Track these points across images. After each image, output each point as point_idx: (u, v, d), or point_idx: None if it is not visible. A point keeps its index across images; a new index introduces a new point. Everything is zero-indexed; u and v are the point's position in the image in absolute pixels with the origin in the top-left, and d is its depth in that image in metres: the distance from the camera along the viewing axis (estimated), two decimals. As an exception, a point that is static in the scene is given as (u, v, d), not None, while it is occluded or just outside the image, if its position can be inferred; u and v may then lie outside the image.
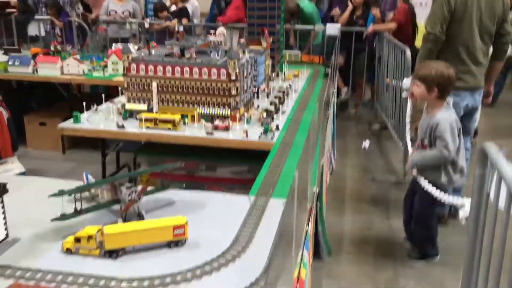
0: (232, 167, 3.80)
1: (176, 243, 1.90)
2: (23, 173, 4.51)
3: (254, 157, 3.51)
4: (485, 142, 1.95)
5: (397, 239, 3.92)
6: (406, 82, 4.51)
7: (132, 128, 3.48)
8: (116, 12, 7.86)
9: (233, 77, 3.47)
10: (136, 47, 5.11)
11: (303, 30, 7.32)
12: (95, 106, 3.92)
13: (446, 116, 3.24)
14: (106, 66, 5.62)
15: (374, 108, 7.38)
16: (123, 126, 3.47)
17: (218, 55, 3.84)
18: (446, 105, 3.30)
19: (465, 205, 2.11)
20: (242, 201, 2.34)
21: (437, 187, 3.25)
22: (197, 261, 1.79)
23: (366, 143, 6.13)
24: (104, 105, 4.04)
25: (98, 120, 3.65)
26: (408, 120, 4.06)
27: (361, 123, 7.27)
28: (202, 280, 1.71)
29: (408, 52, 4.84)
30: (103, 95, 4.05)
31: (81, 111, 3.71)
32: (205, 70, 3.49)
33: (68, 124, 3.57)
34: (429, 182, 3.30)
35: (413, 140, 3.91)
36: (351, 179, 5.28)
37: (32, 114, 6.30)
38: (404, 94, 4.51)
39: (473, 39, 3.85)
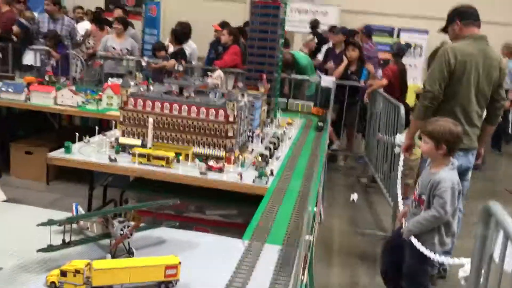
0: (221, 210, 3.72)
1: (166, 284, 1.81)
2: (6, 201, 4.37)
3: (244, 201, 3.45)
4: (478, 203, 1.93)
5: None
6: (399, 138, 4.56)
7: (124, 162, 3.40)
8: (114, 48, 7.93)
9: (231, 119, 3.46)
10: (133, 82, 5.10)
11: (298, 80, 7.43)
12: (87, 137, 3.85)
13: (449, 176, 3.21)
14: (100, 99, 5.59)
15: (364, 161, 7.41)
16: (115, 160, 3.39)
17: (216, 96, 3.85)
18: (450, 165, 3.29)
19: (464, 265, 2.06)
20: (236, 244, 2.26)
21: (427, 247, 3.20)
22: (188, 306, 1.70)
23: (354, 196, 6.10)
24: (97, 137, 3.97)
25: (90, 151, 3.58)
26: (399, 176, 4.05)
27: (350, 176, 7.27)
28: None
29: (402, 109, 4.92)
30: (96, 127, 3.99)
31: (72, 142, 3.63)
32: (203, 109, 3.47)
33: (58, 153, 3.49)
34: (419, 241, 3.25)
35: (403, 198, 3.90)
36: (338, 231, 5.22)
37: (19, 142, 6.18)
38: (396, 150, 4.54)
39: (470, 101, 3.92)
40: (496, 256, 1.78)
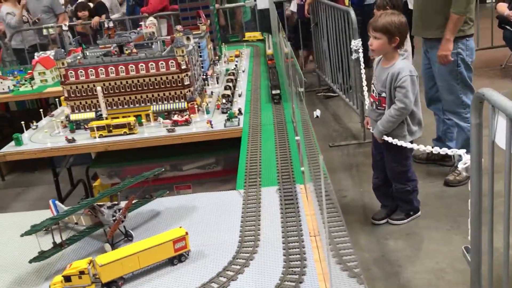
0: (198, 162, 3.59)
1: (179, 258, 1.70)
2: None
3: (218, 147, 3.33)
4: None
5: (374, 204, 3.88)
6: (355, 43, 4.46)
7: (84, 139, 3.17)
8: (14, 14, 7.07)
9: (183, 67, 3.24)
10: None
11: (232, 8, 7.11)
12: (34, 123, 3.55)
13: (406, 65, 3.22)
14: (32, 78, 5.15)
15: (317, 75, 7.34)
16: (73, 140, 3.15)
17: (159, 47, 3.59)
18: (402, 55, 3.28)
19: (461, 157, 2.05)
20: (233, 196, 2.16)
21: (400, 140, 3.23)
22: (209, 273, 1.61)
23: (317, 112, 6.07)
24: (44, 121, 3.68)
25: (43, 138, 3.30)
26: (364, 81, 4.00)
27: (308, 93, 7.20)
28: (222, 293, 1.53)
29: (353, 14, 4.75)
30: (41, 110, 3.68)
31: (18, 132, 3.34)
32: (152, 64, 3.23)
33: (10, 148, 3.20)
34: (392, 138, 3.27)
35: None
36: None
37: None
38: (354, 56, 4.45)
39: None
40: (499, 140, 1.76)
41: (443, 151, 2.35)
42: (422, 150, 2.72)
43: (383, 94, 3.32)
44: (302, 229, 1.81)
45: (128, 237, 1.86)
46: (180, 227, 1.73)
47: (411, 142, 3.27)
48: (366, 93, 4.13)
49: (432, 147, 2.61)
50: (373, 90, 3.44)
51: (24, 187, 5.01)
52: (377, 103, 3.39)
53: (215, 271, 1.62)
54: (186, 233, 1.70)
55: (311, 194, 1.97)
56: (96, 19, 7.06)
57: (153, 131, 3.18)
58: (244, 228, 1.87)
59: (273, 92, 3.54)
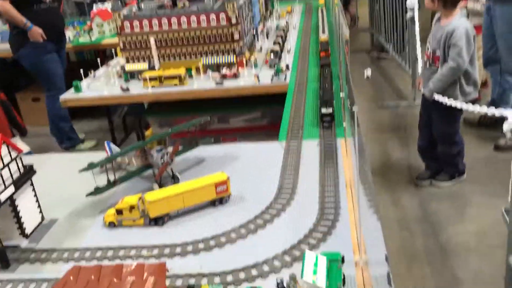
0: (244, 115, 3.68)
1: (220, 200, 1.82)
2: (29, 153, 4.38)
3: (265, 102, 3.39)
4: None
5: (419, 165, 3.87)
6: (411, 1, 4.33)
7: (137, 89, 3.32)
8: None
9: (233, 21, 3.29)
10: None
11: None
12: (92, 72, 3.74)
13: (462, 23, 3.12)
14: (91, 29, 5.36)
15: (370, 34, 7.18)
16: (127, 89, 3.31)
17: (210, 1, 3.63)
18: (460, 13, 3.18)
19: (508, 117, 2.02)
20: (274, 147, 2.24)
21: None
22: (247, 216, 1.71)
23: (368, 71, 5.97)
24: (101, 70, 3.86)
25: (100, 86, 3.49)
26: (418, 40, 3.90)
27: (359, 52, 7.08)
28: (258, 234, 1.63)
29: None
30: (98, 60, 3.86)
31: (78, 80, 3.53)
32: (203, 17, 3.30)
33: (70, 94, 3.40)
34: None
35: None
36: (362, 110, 5.15)
37: (23, 91, 6.07)
38: (409, 14, 4.33)
39: None
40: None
41: (490, 111, 2.31)
42: (469, 109, 2.68)
43: (437, 53, 3.25)
44: (339, 181, 1.87)
45: (174, 179, 1.99)
46: (223, 172, 1.84)
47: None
48: (419, 53, 4.04)
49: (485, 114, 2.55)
50: (428, 48, 3.38)
51: (81, 133, 5.31)
52: (430, 61, 3.34)
53: (253, 214, 1.72)
54: (228, 178, 1.81)
55: (351, 148, 2.02)
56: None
57: (202, 83, 3.27)
58: (283, 177, 1.95)
59: (323, 111, 2.33)
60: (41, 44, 4.47)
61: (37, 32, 4.40)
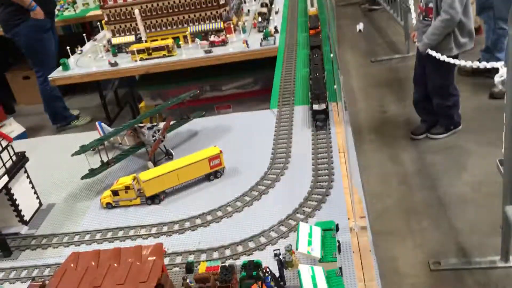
0: (236, 82, 3.65)
1: (215, 174, 1.82)
2: (23, 133, 4.38)
3: (256, 67, 3.36)
4: None
5: (415, 119, 3.86)
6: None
7: (126, 63, 3.28)
8: None
9: (218, -15, 3.21)
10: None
11: None
12: (79, 48, 3.68)
13: None
14: (74, 2, 5.24)
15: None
16: (116, 64, 3.27)
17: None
18: None
19: (499, 69, 2.00)
20: (266, 115, 2.23)
21: (446, 54, 3.13)
22: (242, 188, 1.73)
23: (360, 25, 5.89)
24: (88, 45, 3.80)
25: (88, 62, 3.44)
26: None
27: (349, 5, 6.95)
28: (253, 206, 1.65)
29: None
30: (84, 35, 3.79)
31: (65, 57, 3.48)
32: (186, -17, 3.21)
33: (58, 73, 3.36)
34: (436, 52, 3.17)
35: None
36: (355, 65, 5.12)
37: (12, 70, 5.99)
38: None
39: None
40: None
41: (482, 64, 2.28)
42: (461, 64, 2.65)
43: (430, 4, 3.18)
44: (331, 146, 1.87)
45: (168, 156, 1.99)
46: (215, 146, 1.84)
47: (458, 54, 3.17)
48: (412, 4, 3.95)
49: (478, 60, 2.52)
50: (421, 0, 3.30)
51: (75, 109, 5.28)
52: (423, 14, 3.27)
53: (248, 186, 1.73)
54: (221, 152, 1.81)
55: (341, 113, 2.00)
56: None
57: (191, 53, 3.23)
58: (276, 146, 1.96)
59: (315, 107, 1.99)
60: (40, 22, 4.37)
61: (40, 12, 4.32)
